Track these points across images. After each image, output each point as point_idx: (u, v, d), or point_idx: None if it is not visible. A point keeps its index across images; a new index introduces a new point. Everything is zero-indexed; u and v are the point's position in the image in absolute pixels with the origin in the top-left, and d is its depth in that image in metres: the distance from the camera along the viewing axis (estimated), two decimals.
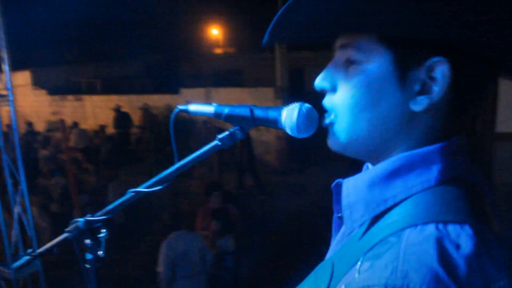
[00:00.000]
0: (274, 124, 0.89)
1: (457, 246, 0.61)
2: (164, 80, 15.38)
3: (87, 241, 1.09)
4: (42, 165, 10.30)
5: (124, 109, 12.53)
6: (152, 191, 1.01)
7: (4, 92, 2.94)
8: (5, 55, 3.00)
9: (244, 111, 0.93)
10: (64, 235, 1.12)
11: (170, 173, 1.01)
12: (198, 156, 0.99)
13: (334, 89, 0.80)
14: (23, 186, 3.16)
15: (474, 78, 0.73)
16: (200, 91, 12.74)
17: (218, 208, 5.34)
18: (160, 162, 8.15)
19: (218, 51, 23.33)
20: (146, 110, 12.35)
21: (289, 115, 0.85)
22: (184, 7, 20.82)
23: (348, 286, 0.65)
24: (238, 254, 5.15)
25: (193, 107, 1.02)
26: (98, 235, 1.10)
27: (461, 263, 0.60)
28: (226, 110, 0.95)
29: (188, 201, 7.58)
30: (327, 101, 0.82)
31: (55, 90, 15.27)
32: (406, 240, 0.63)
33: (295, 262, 5.81)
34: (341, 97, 0.78)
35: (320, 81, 0.81)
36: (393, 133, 0.75)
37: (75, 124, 12.14)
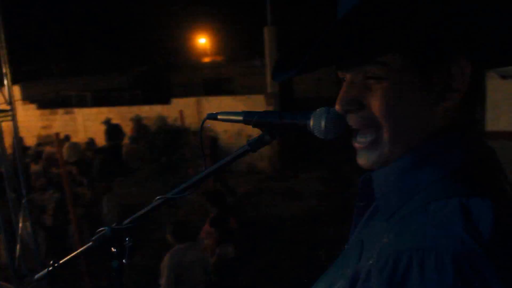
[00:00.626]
0: (303, 128, 0.94)
1: (479, 215, 0.67)
2: (155, 90, 15.38)
3: (113, 249, 1.11)
4: (34, 180, 10.22)
5: (115, 121, 12.49)
6: (179, 196, 1.03)
7: (6, 107, 2.94)
8: (7, 70, 3.01)
9: (273, 117, 0.97)
10: (89, 244, 1.14)
11: (198, 180, 1.04)
12: (227, 162, 1.02)
13: (362, 107, 0.83)
14: (25, 200, 3.16)
15: (483, 70, 0.82)
16: (192, 100, 12.75)
17: (215, 217, 5.36)
18: (155, 172, 8.13)
19: (207, 60, 23.38)
20: (138, 121, 12.32)
21: (318, 120, 0.91)
22: (172, 17, 20.86)
23: (380, 252, 0.70)
24: (237, 260, 5.16)
25: (222, 115, 1.06)
26: (123, 243, 1.11)
27: (484, 229, 0.66)
28: (255, 117, 1.00)
29: (184, 211, 7.57)
30: (358, 119, 0.85)
31: (44, 104, 15.19)
32: (433, 211, 0.70)
33: (292, 266, 5.85)
34: (376, 111, 0.81)
35: (344, 104, 0.85)
36: (430, 129, 0.80)
37: (67, 138, 12.07)
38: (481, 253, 0.63)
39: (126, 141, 12.48)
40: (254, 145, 1.00)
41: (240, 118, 1.02)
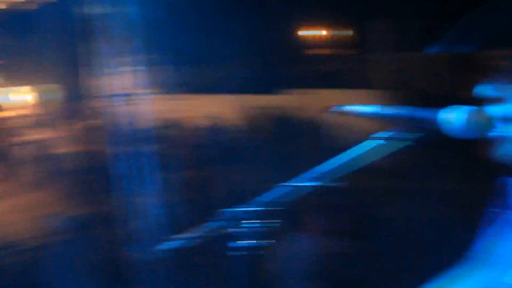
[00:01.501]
0: (439, 125, 0.89)
1: None
2: (268, 80, 15.52)
3: (236, 229, 1.11)
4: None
5: (226, 109, 12.84)
6: (303, 185, 1.03)
7: (135, 91, 3.10)
8: (142, 56, 3.09)
9: (405, 112, 0.94)
10: (214, 223, 1.14)
11: (330, 171, 1.02)
12: (355, 158, 1.00)
13: None
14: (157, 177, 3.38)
15: None
16: (311, 92, 12.72)
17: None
18: (270, 161, 8.23)
19: (322, 51, 23.09)
20: (256, 110, 12.57)
21: (459, 117, 0.86)
22: (291, 8, 20.91)
23: None
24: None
25: (351, 108, 1.04)
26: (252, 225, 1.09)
27: None
28: (388, 111, 0.97)
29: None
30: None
31: (168, 89, 16.04)
32: None
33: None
34: None
35: (494, 90, 0.82)
36: None
37: (186, 122, 12.73)
38: None
39: (245, 128, 12.79)
40: (393, 141, 0.95)
41: (369, 111, 0.99)
